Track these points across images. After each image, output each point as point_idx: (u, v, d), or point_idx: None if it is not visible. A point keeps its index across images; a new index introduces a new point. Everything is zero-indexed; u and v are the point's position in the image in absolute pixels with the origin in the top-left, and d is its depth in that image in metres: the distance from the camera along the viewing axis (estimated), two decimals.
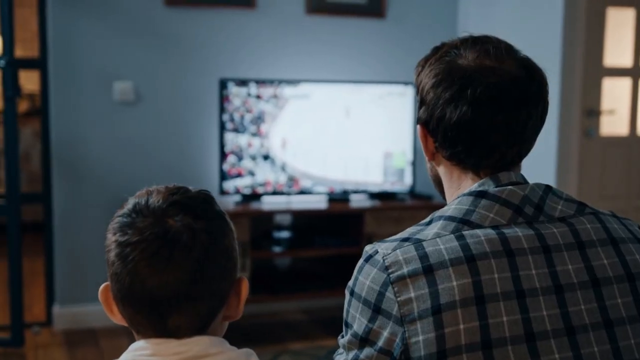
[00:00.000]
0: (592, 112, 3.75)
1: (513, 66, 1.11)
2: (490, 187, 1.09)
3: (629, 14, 3.89)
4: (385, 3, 4.08)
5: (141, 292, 0.92)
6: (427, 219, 1.11)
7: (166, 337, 0.94)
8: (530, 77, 1.12)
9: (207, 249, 0.94)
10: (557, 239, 1.06)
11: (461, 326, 0.98)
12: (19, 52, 5.57)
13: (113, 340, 3.60)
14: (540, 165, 3.69)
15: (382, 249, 1.06)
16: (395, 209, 3.73)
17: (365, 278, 1.05)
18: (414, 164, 3.89)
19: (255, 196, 3.70)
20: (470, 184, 1.13)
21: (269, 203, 3.70)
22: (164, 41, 3.78)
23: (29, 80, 5.92)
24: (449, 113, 1.10)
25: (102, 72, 3.70)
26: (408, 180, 3.89)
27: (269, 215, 3.77)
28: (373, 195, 3.88)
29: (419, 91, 1.17)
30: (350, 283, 1.08)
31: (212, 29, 3.84)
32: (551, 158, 3.64)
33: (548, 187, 1.13)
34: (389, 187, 3.87)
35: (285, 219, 3.88)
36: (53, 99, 3.66)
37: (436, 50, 1.18)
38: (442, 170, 1.20)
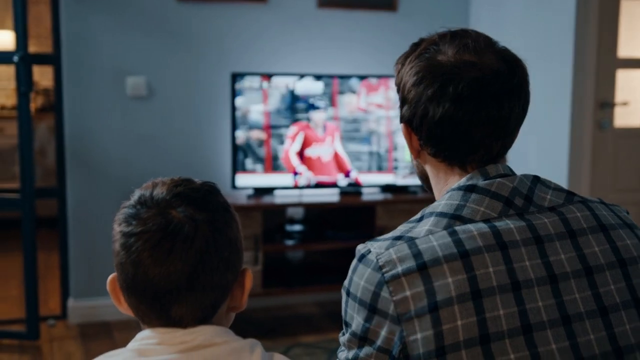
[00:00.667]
0: (606, 104, 3.72)
1: (493, 59, 1.10)
2: (479, 181, 1.09)
3: None
4: None
5: (144, 282, 0.94)
6: (418, 216, 1.10)
7: (171, 326, 0.96)
8: (511, 69, 1.11)
9: (209, 240, 0.95)
10: (548, 229, 1.06)
11: (459, 322, 0.98)
12: (35, 48, 5.62)
13: (127, 333, 3.63)
14: (552, 157, 3.68)
15: (375, 248, 1.05)
16: (406, 202, 3.73)
17: (359, 278, 1.05)
18: None
19: (267, 190, 3.71)
20: (457, 179, 1.13)
21: (281, 196, 3.71)
22: (176, 36, 3.80)
23: (44, 77, 5.97)
24: (432, 110, 1.10)
25: (115, 67, 3.72)
26: None
27: (282, 208, 3.78)
28: (385, 189, 3.88)
29: (400, 89, 1.17)
30: (346, 283, 1.08)
31: (224, 24, 3.85)
32: (564, 150, 3.62)
33: (536, 177, 1.13)
34: (400, 180, 3.87)
35: (298, 213, 3.89)
36: (67, 94, 3.69)
37: (415, 47, 1.17)
38: (428, 167, 1.19)
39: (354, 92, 3.77)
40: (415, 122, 1.13)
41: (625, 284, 1.05)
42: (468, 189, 1.08)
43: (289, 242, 3.67)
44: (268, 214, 3.67)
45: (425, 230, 1.05)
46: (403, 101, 1.16)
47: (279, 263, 3.89)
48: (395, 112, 3.86)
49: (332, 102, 3.73)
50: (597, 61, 3.65)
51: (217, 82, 3.84)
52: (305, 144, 3.74)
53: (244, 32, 3.89)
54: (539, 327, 0.99)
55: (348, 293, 1.07)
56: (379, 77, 3.86)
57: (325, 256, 3.97)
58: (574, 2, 3.52)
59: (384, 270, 1.02)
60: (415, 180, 3.87)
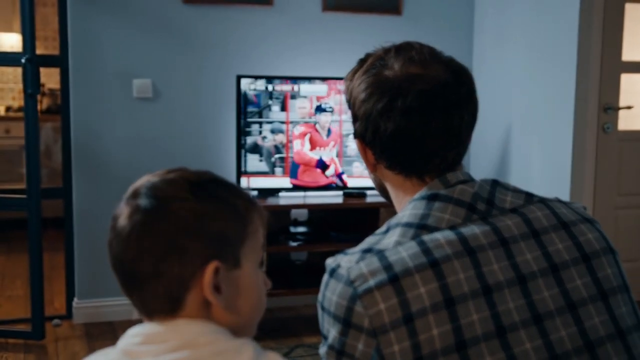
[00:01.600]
0: (610, 108, 3.73)
1: (440, 70, 1.12)
2: (441, 189, 1.10)
3: None
4: (402, 0, 4.10)
5: (118, 268, 0.98)
6: (384, 228, 1.10)
7: (147, 316, 0.96)
8: (457, 79, 1.12)
9: (141, 231, 0.95)
10: (512, 230, 1.07)
11: (434, 331, 0.98)
12: (41, 50, 5.66)
13: None
14: (556, 161, 3.69)
15: (345, 262, 1.05)
16: None
17: (332, 293, 1.04)
18: None
19: (272, 191, 3.73)
20: (416, 190, 1.14)
21: (285, 198, 3.73)
22: (182, 39, 3.82)
23: (50, 78, 6.01)
24: (383, 125, 1.11)
25: (121, 69, 3.75)
26: None
27: (286, 210, 3.80)
28: None
29: (351, 105, 1.18)
30: (319, 298, 1.08)
31: (229, 27, 3.88)
32: (567, 154, 3.63)
33: (495, 181, 1.14)
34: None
35: (302, 214, 3.91)
36: (73, 96, 3.71)
37: (362, 62, 1.19)
38: (386, 181, 1.20)
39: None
40: (368, 137, 1.15)
41: (591, 278, 1.07)
42: (431, 198, 1.09)
43: (293, 244, 3.69)
44: (272, 215, 3.67)
45: (394, 242, 1.05)
46: (355, 117, 1.17)
47: (283, 264, 3.91)
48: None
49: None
50: (601, 65, 3.66)
51: (223, 84, 3.86)
52: (312, 145, 3.76)
53: (249, 34, 3.91)
54: (512, 328, 1.00)
55: (322, 307, 1.07)
56: None
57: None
58: (578, 6, 3.53)
59: (355, 284, 1.02)
60: None
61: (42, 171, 3.60)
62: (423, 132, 1.11)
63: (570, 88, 3.60)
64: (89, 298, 3.83)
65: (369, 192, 3.84)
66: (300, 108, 3.73)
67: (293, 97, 3.72)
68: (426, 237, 1.05)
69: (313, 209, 3.81)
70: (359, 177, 3.82)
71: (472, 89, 1.15)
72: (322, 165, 3.78)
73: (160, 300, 0.95)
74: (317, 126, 3.76)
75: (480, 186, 1.12)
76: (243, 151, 3.66)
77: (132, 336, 0.95)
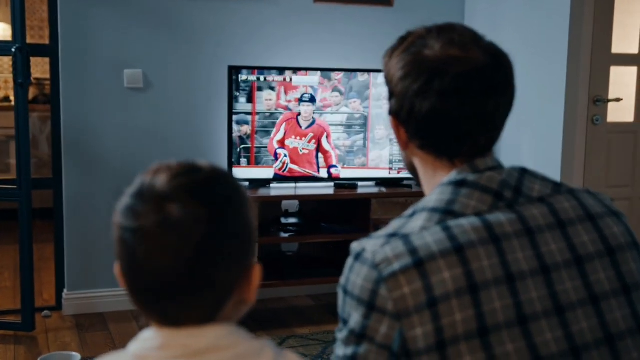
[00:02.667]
0: (599, 100, 3.76)
1: (479, 55, 1.11)
2: (469, 175, 1.11)
3: (636, 2, 3.90)
4: None
5: (140, 280, 0.90)
6: (409, 212, 1.11)
7: (171, 325, 0.90)
8: (496, 65, 1.13)
9: (208, 237, 0.88)
10: (538, 220, 1.08)
11: (457, 316, 0.99)
12: (27, 40, 5.60)
13: (122, 325, 3.64)
14: (546, 152, 3.71)
15: (370, 246, 1.06)
16: (401, 195, 3.76)
17: (356, 276, 1.05)
18: None
19: (263, 182, 3.73)
20: (445, 172, 1.14)
21: (276, 189, 3.73)
22: (174, 29, 3.80)
23: (36, 68, 5.95)
24: (418, 105, 1.11)
25: (113, 59, 3.72)
26: None
27: (277, 201, 3.80)
28: (379, 182, 3.91)
29: (388, 82, 1.18)
30: (342, 281, 1.09)
31: (222, 17, 3.86)
32: (557, 146, 3.65)
33: (523, 169, 1.14)
34: (395, 173, 3.90)
35: (293, 206, 3.91)
36: (63, 85, 3.68)
37: (402, 40, 1.18)
38: (416, 160, 1.21)
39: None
40: (403, 115, 1.15)
41: (615, 272, 1.08)
42: (458, 184, 1.10)
43: (284, 235, 3.69)
44: (264, 206, 3.68)
45: (419, 226, 1.06)
46: (391, 94, 1.17)
47: (274, 255, 3.91)
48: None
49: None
50: (592, 57, 3.69)
51: (215, 75, 3.84)
52: (287, 134, 3.74)
53: (241, 25, 3.89)
54: (534, 317, 1.01)
55: (345, 291, 1.07)
56: (376, 72, 3.88)
57: (320, 249, 3.99)
58: None
59: (380, 268, 1.02)
60: (409, 174, 3.90)
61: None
62: (458, 115, 1.11)
63: (561, 80, 3.62)
64: (79, 289, 3.81)
65: (360, 184, 3.85)
66: (267, 100, 3.71)
67: (260, 88, 3.68)
68: (452, 223, 1.05)
69: (304, 200, 3.81)
70: (354, 168, 3.82)
71: (511, 75, 1.15)
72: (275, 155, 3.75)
73: (202, 309, 0.91)
74: (299, 117, 3.75)
75: (508, 174, 1.12)
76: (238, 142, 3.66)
77: (147, 340, 0.91)
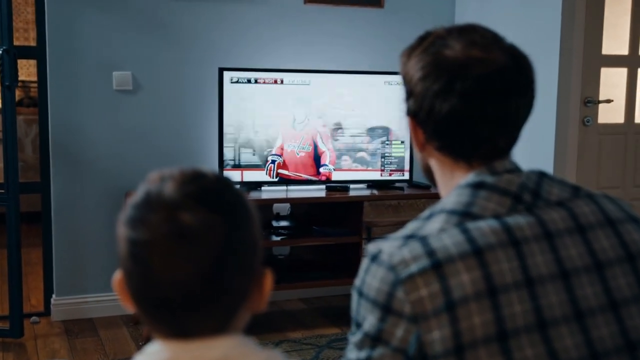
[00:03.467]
0: (590, 101, 3.76)
1: (500, 56, 1.10)
2: (487, 177, 1.09)
3: (626, 2, 3.91)
4: None
5: (156, 292, 0.86)
6: (427, 214, 1.10)
7: (183, 337, 0.88)
8: (518, 66, 1.12)
9: (226, 244, 0.86)
10: (557, 223, 1.06)
11: (476, 320, 0.97)
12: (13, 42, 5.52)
13: (112, 330, 3.59)
14: (538, 154, 3.71)
15: (387, 248, 1.04)
16: (394, 198, 3.74)
17: (372, 278, 1.03)
18: (412, 153, 3.90)
19: (254, 185, 3.69)
20: (463, 175, 1.13)
21: (267, 192, 3.70)
22: (163, 30, 3.76)
23: (21, 70, 5.88)
24: (438, 105, 1.10)
25: (101, 61, 3.68)
26: (406, 169, 3.90)
27: (268, 204, 3.77)
28: (371, 185, 3.89)
29: (406, 82, 1.16)
30: (358, 283, 1.07)
31: (211, 19, 3.82)
32: (549, 147, 3.65)
33: (541, 172, 1.13)
34: (387, 176, 3.88)
35: (284, 209, 3.88)
36: (51, 88, 3.63)
37: (421, 40, 1.17)
38: (433, 162, 1.20)
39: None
40: (421, 116, 1.13)
41: (635, 279, 1.06)
42: (476, 186, 1.08)
43: (276, 238, 3.66)
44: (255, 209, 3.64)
45: (437, 228, 1.04)
46: (409, 94, 1.15)
47: (266, 259, 3.84)
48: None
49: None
50: (583, 59, 3.69)
51: (204, 77, 3.81)
52: (284, 138, 3.73)
53: (231, 27, 3.86)
54: (554, 322, 1.00)
55: (360, 293, 1.05)
56: (366, 73, 3.86)
57: (312, 252, 3.96)
58: (561, 0, 3.55)
59: (397, 269, 1.01)
60: (401, 177, 3.89)
61: None
62: (478, 117, 1.10)
63: (552, 82, 3.62)
64: (68, 294, 3.76)
65: (352, 186, 3.83)
66: (257, 101, 3.69)
67: (250, 90, 3.68)
68: (470, 225, 1.04)
69: (296, 202, 3.78)
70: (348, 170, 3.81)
71: (532, 78, 1.14)
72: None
73: (217, 319, 0.89)
74: (293, 120, 3.73)
75: (527, 176, 1.11)
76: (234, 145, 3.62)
77: (154, 354, 0.89)
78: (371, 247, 1.07)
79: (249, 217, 0.91)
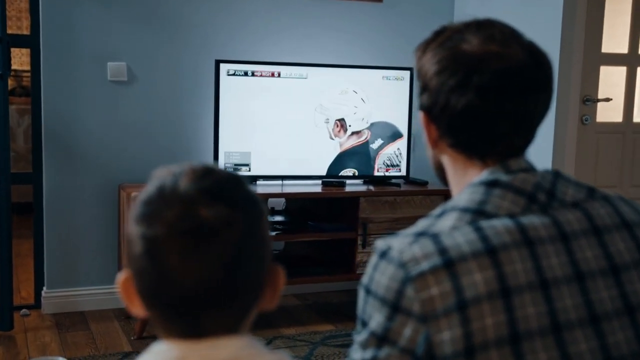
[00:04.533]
0: (589, 100, 3.74)
1: (519, 52, 1.08)
2: (501, 176, 1.06)
3: (626, 1, 3.88)
4: None
5: (173, 291, 0.83)
6: (438, 211, 1.07)
7: (195, 337, 0.86)
8: (537, 63, 1.09)
9: (244, 240, 0.84)
10: (573, 225, 1.04)
11: (488, 321, 0.94)
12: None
13: (103, 324, 3.55)
14: (537, 152, 3.68)
15: (397, 244, 1.01)
16: (390, 194, 3.71)
17: (381, 275, 1.01)
18: (409, 149, 3.86)
19: (249, 179, 3.65)
20: (476, 173, 1.10)
21: (263, 186, 3.66)
22: (160, 21, 3.71)
23: (13, 59, 5.82)
24: (454, 100, 1.07)
25: (95, 51, 3.62)
26: (403, 165, 3.87)
27: (263, 199, 3.72)
28: (368, 181, 3.85)
29: (420, 77, 1.13)
30: (365, 280, 1.04)
31: (209, 10, 3.78)
32: (548, 146, 3.63)
33: (557, 172, 1.11)
34: (383, 172, 3.85)
35: (279, 203, 3.84)
36: (45, 78, 3.58)
37: (437, 34, 1.14)
38: (445, 159, 1.17)
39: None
40: (435, 111, 1.10)
41: None
42: (490, 184, 1.05)
43: (270, 233, 3.61)
44: None
45: (449, 226, 1.01)
46: (424, 89, 1.12)
47: None
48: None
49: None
50: (584, 57, 3.66)
51: (201, 68, 3.76)
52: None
53: (229, 19, 3.82)
54: (568, 326, 0.97)
55: (368, 291, 1.02)
56: (364, 67, 3.82)
57: (307, 248, 3.93)
58: None
59: (407, 267, 0.98)
60: (398, 172, 3.85)
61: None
62: (495, 113, 1.06)
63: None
64: (59, 287, 3.71)
65: (348, 182, 3.79)
66: (255, 94, 3.65)
67: (248, 83, 3.63)
68: (484, 224, 1.01)
69: (291, 197, 3.75)
70: None
71: (550, 75, 1.11)
72: None
73: (233, 317, 0.87)
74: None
75: (542, 176, 1.08)
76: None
77: (161, 353, 0.86)
78: (380, 244, 1.04)
79: (262, 212, 0.90)
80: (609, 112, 3.92)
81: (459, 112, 1.07)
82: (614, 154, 3.90)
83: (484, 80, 1.05)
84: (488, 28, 1.10)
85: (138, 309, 0.90)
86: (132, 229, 0.85)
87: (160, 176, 0.88)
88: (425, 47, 1.13)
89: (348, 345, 3.29)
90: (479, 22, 1.12)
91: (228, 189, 0.87)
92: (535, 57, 1.09)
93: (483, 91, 1.05)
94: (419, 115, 1.15)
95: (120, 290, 0.90)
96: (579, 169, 3.75)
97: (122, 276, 0.89)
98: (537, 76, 1.08)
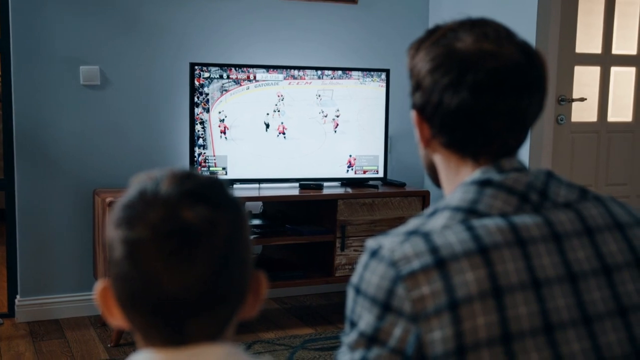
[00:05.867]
0: (564, 100, 3.77)
1: (513, 51, 1.07)
2: (494, 175, 1.06)
3: (599, 1, 3.91)
4: None
5: (158, 296, 0.81)
6: (430, 210, 1.06)
7: (177, 345, 0.83)
8: (531, 62, 1.08)
9: (229, 242, 0.82)
10: (565, 225, 1.03)
11: (480, 320, 0.94)
12: None
13: (79, 332, 3.50)
14: None
15: (388, 243, 1.00)
16: (368, 196, 3.70)
17: (371, 274, 0.99)
18: (386, 151, 3.86)
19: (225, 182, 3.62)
20: (469, 172, 1.10)
21: (240, 190, 3.63)
22: (133, 24, 3.67)
23: None
24: (448, 99, 1.06)
25: (67, 55, 3.57)
26: (380, 167, 3.86)
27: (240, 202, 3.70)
28: (345, 183, 3.84)
29: (413, 75, 1.12)
30: (355, 280, 1.02)
31: (182, 13, 3.74)
32: (524, 145, 3.64)
33: (549, 172, 1.10)
34: (361, 174, 3.84)
35: (257, 207, 3.81)
36: (16, 83, 3.52)
37: (430, 33, 1.13)
38: (438, 158, 1.16)
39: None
40: (428, 110, 1.09)
41: None
42: (483, 183, 1.05)
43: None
44: None
45: (441, 225, 1.01)
46: (416, 88, 1.11)
47: None
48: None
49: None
50: (558, 57, 3.69)
51: (176, 72, 3.73)
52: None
53: (203, 21, 3.78)
54: (560, 326, 0.97)
55: (357, 290, 1.01)
56: (340, 69, 3.80)
57: (285, 251, 3.91)
58: None
59: (399, 265, 0.97)
60: (375, 174, 3.85)
61: None
62: (489, 112, 1.06)
63: None
64: (33, 295, 3.65)
65: (325, 184, 3.77)
66: (231, 97, 3.62)
67: (223, 86, 3.61)
68: (476, 223, 1.00)
69: (268, 201, 3.72)
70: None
71: (544, 75, 1.11)
72: None
73: (216, 324, 0.85)
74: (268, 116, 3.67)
75: (535, 176, 1.07)
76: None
77: None
78: (371, 243, 1.03)
79: (244, 215, 0.89)
80: (584, 112, 3.94)
81: (452, 110, 1.06)
82: (589, 153, 3.93)
83: (478, 79, 1.04)
84: (482, 27, 1.10)
85: (117, 320, 0.87)
86: (112, 233, 0.83)
87: (140, 181, 0.86)
88: (418, 45, 1.13)
89: (328, 348, 3.27)
90: (473, 20, 1.12)
91: (210, 192, 0.85)
92: (529, 57, 1.09)
93: (477, 90, 1.05)
94: (411, 114, 1.14)
95: (99, 300, 0.87)
96: (555, 169, 3.77)
97: (100, 285, 0.86)
98: (531, 76, 1.08)
